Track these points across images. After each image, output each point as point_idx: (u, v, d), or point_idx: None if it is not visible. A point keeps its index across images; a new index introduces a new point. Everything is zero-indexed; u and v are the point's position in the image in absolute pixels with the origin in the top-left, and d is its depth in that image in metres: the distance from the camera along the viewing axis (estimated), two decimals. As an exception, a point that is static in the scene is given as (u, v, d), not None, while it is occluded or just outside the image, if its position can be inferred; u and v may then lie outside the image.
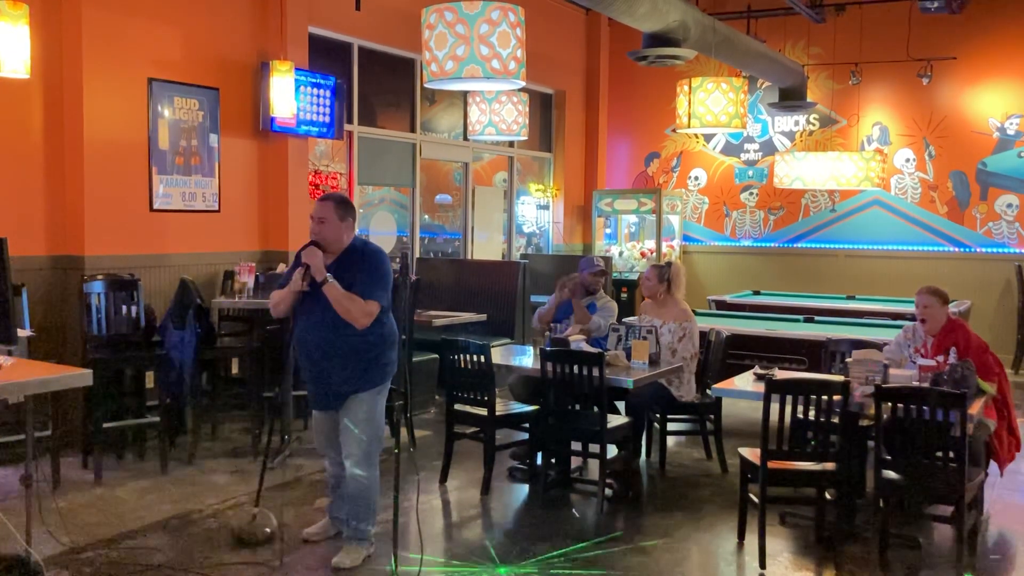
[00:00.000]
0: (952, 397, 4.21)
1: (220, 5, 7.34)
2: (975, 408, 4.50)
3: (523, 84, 5.16)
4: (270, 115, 7.48)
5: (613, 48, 12.36)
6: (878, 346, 5.42)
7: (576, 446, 5.56)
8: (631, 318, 6.54)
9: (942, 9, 9.41)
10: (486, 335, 7.86)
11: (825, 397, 4.44)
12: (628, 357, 5.62)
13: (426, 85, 5.14)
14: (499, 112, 8.15)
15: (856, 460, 5.12)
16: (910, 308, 5.73)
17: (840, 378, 4.66)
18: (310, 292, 4.29)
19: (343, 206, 4.38)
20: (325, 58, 8.42)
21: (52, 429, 5.58)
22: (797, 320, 8.09)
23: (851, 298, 9.66)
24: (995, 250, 10.56)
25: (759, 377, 5.04)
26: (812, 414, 4.45)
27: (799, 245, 11.64)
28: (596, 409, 5.22)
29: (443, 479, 5.77)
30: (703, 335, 6.34)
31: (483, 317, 8.10)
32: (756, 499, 4.58)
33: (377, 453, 4.48)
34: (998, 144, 10.53)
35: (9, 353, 4.14)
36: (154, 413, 6.10)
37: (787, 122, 11.70)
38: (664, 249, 11.64)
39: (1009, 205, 10.50)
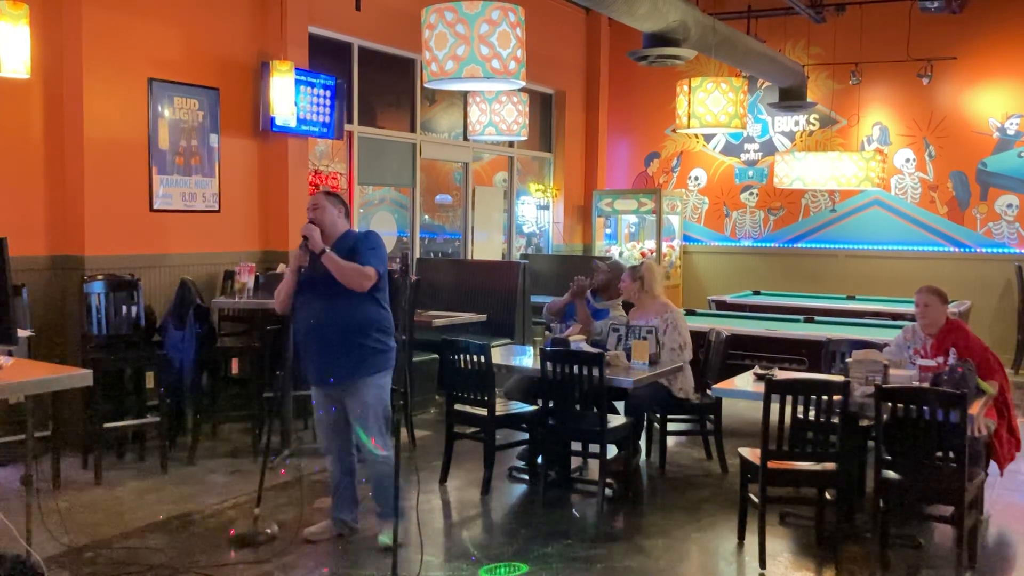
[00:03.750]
0: (952, 397, 4.21)
1: (220, 5, 7.34)
2: (975, 408, 4.50)
3: (523, 84, 5.15)
4: (270, 115, 7.47)
5: (613, 48, 12.36)
6: (878, 346, 5.42)
7: (576, 446, 5.56)
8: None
9: (942, 9, 9.41)
10: (486, 335, 7.86)
11: (825, 397, 4.44)
12: (628, 357, 5.62)
13: (426, 85, 5.14)
14: (499, 112, 8.14)
15: (856, 460, 5.12)
16: (910, 308, 5.73)
17: (840, 378, 4.66)
18: (308, 272, 4.43)
19: (334, 195, 4.65)
20: (325, 58, 8.42)
21: (52, 429, 5.59)
22: (797, 320, 8.09)
23: (851, 298, 9.66)
24: (995, 250, 10.57)
25: (759, 377, 5.04)
26: (812, 414, 4.45)
27: (799, 245, 11.64)
28: (596, 409, 5.22)
29: (443, 479, 5.77)
30: (703, 335, 6.34)
31: (483, 317, 8.10)
32: (756, 499, 4.58)
33: (389, 434, 4.55)
34: (998, 144, 10.53)
35: (9, 353, 4.14)
36: (154, 413, 6.10)
37: (787, 122, 11.70)
38: (664, 249, 11.65)
39: (1009, 205, 10.50)
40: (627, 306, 6.29)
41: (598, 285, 6.51)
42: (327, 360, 4.44)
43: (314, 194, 4.67)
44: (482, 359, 5.47)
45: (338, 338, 4.41)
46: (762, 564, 4.47)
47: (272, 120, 7.53)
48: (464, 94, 9.59)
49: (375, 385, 4.48)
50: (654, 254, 11.54)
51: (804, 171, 9.61)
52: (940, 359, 5.04)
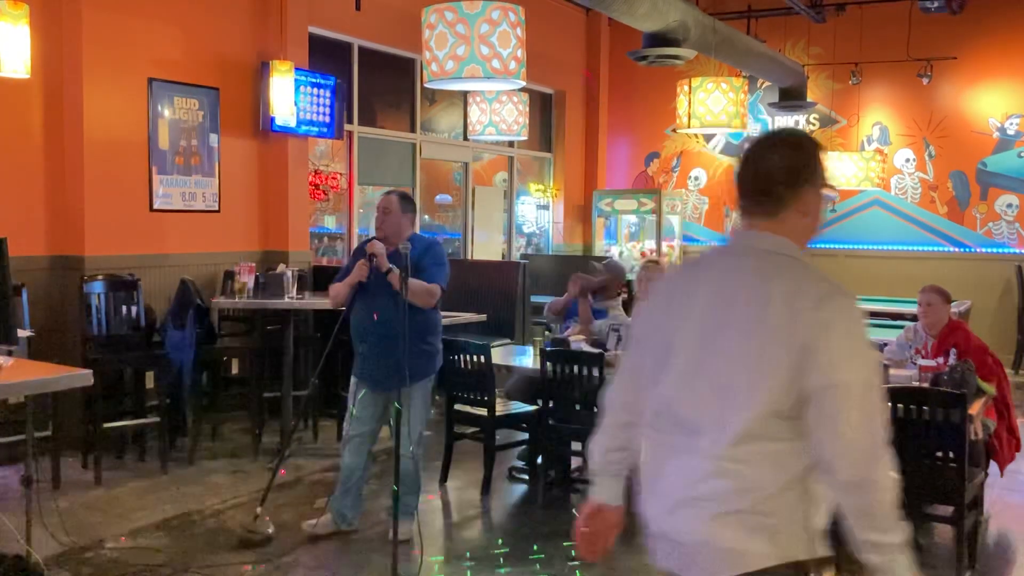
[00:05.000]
0: (952, 397, 4.21)
1: (220, 5, 7.33)
2: (975, 408, 4.50)
3: (523, 84, 5.15)
4: (270, 115, 7.47)
5: (613, 48, 12.36)
6: (878, 346, 5.41)
7: (576, 446, 5.56)
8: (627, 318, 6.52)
9: (942, 9, 9.41)
10: (486, 335, 7.85)
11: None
12: (628, 357, 5.60)
13: (426, 85, 5.14)
14: (499, 112, 8.13)
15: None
16: (910, 308, 5.74)
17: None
18: (368, 282, 4.52)
19: (405, 200, 4.73)
20: (325, 58, 8.42)
21: (52, 429, 5.58)
22: (797, 320, 8.07)
23: (851, 298, 9.65)
24: (995, 250, 10.57)
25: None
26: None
27: (799, 245, 11.62)
28: (596, 409, 5.21)
29: (443, 479, 5.77)
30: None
31: (483, 317, 8.09)
32: (756, 499, 4.57)
33: (423, 434, 4.79)
34: (998, 144, 10.53)
35: (9, 353, 4.13)
36: (154, 413, 6.10)
37: (787, 122, 11.69)
38: (664, 249, 11.64)
39: (1009, 205, 10.50)
40: (627, 306, 6.28)
41: (596, 287, 6.48)
42: (385, 366, 4.49)
43: (387, 194, 4.72)
44: (482, 359, 5.47)
45: (396, 345, 4.39)
46: (762, 564, 4.46)
47: (272, 120, 7.53)
48: (464, 94, 9.59)
49: (423, 387, 4.68)
50: (654, 254, 11.54)
51: (804, 171, 9.58)
52: (940, 359, 5.04)
